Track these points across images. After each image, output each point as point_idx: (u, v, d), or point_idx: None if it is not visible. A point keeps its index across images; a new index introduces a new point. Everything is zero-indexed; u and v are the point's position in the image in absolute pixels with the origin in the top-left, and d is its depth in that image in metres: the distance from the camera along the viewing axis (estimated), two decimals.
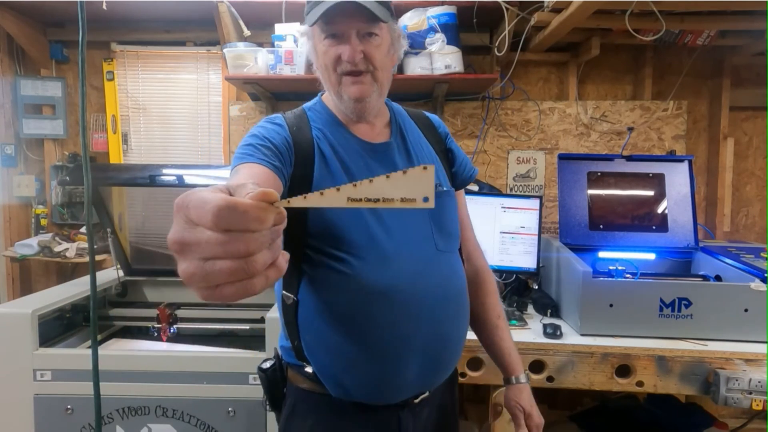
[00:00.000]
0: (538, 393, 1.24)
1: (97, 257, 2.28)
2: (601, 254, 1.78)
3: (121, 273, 2.05)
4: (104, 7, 2.06)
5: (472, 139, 2.39)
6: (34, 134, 2.51)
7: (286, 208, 0.39)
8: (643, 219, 1.85)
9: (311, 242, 0.89)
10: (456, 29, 2.04)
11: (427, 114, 1.12)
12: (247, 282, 0.37)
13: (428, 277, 0.91)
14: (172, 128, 2.54)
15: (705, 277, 1.66)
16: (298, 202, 0.39)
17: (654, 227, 1.83)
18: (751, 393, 1.31)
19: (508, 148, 2.40)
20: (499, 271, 1.84)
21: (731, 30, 2.10)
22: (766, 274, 1.46)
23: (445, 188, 1.00)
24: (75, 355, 1.58)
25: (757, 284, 1.42)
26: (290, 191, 0.86)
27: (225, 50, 2.10)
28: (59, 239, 2.36)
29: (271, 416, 1.50)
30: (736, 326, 1.43)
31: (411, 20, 2.03)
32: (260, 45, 2.19)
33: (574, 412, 2.14)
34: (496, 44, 2.11)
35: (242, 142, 0.87)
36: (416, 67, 2.02)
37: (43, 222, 2.52)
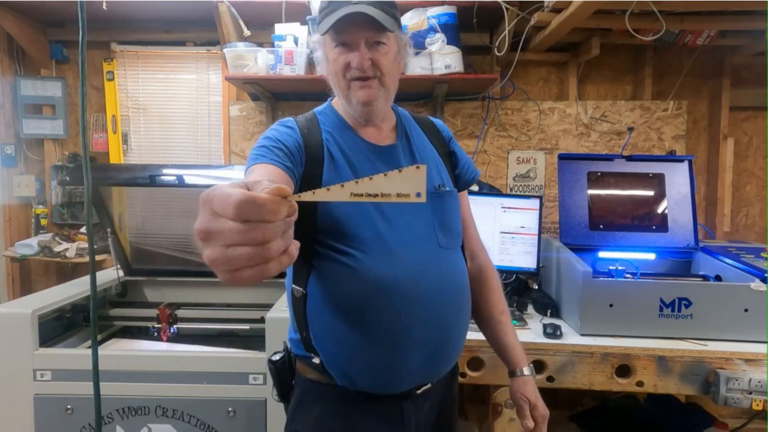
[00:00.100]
0: (538, 393, 1.25)
1: (97, 257, 2.28)
2: (601, 254, 1.78)
3: (121, 273, 2.05)
4: (104, 7, 2.06)
5: (472, 139, 2.39)
6: (34, 134, 2.51)
7: (297, 203, 0.45)
8: (643, 219, 1.85)
9: (320, 238, 0.93)
10: (456, 29, 2.04)
11: (432, 119, 1.17)
12: (263, 266, 0.43)
13: (430, 272, 0.95)
14: (172, 128, 2.54)
15: (705, 277, 1.66)
16: (307, 196, 0.45)
17: (654, 227, 1.83)
18: (751, 393, 1.31)
19: (508, 148, 2.40)
20: (499, 271, 1.80)
21: (731, 30, 2.10)
22: (766, 274, 1.46)
23: (447, 188, 1.04)
24: (75, 355, 1.58)
25: (757, 284, 1.42)
26: (301, 190, 0.91)
27: (225, 50, 2.10)
28: (59, 239, 2.36)
29: (271, 416, 1.51)
30: (736, 326, 1.43)
31: (411, 20, 2.03)
32: (260, 45, 2.19)
33: (574, 412, 2.14)
34: (496, 44, 2.11)
35: (256, 144, 0.93)
36: (416, 67, 2.02)
37: (43, 222, 2.52)
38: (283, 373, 1.06)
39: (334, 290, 0.94)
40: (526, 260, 1.85)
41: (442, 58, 2.00)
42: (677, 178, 1.86)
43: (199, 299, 2.06)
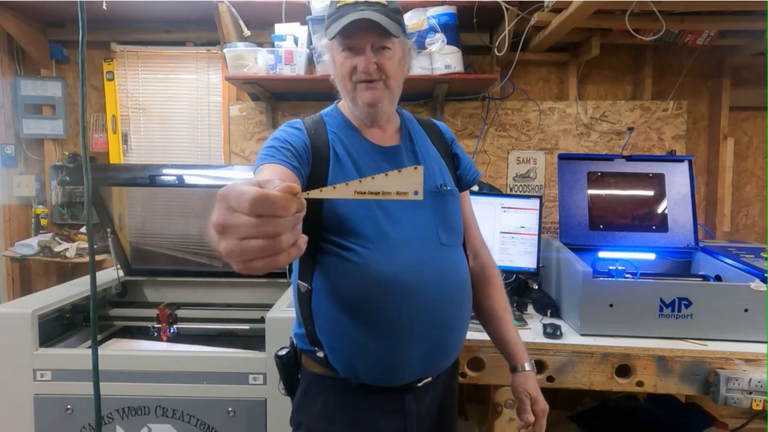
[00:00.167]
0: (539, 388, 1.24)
1: (97, 257, 2.28)
2: (601, 254, 1.78)
3: (121, 273, 2.06)
4: (104, 7, 2.06)
5: (472, 139, 2.39)
6: (34, 134, 2.51)
7: (305, 200, 0.49)
8: (643, 219, 1.85)
9: (324, 235, 0.97)
10: (456, 29, 2.04)
11: (435, 121, 1.21)
12: (274, 257, 0.47)
13: (431, 267, 0.98)
14: (172, 128, 2.54)
15: (705, 277, 1.66)
16: (315, 194, 0.49)
17: (654, 227, 1.83)
18: (751, 393, 1.31)
19: (508, 148, 2.40)
20: (500, 271, 1.84)
21: (731, 30, 2.10)
22: (766, 274, 1.46)
23: (449, 187, 1.08)
24: (75, 355, 1.58)
25: (757, 284, 1.42)
26: (307, 188, 0.92)
27: (225, 50, 2.10)
28: (59, 239, 2.36)
29: (271, 416, 1.51)
30: (736, 326, 1.43)
31: (411, 20, 2.03)
32: (260, 45, 2.19)
33: (574, 412, 2.14)
34: (496, 44, 2.11)
35: (265, 144, 0.98)
36: (416, 67, 2.02)
37: (43, 222, 2.52)
38: (289, 367, 1.09)
39: (337, 285, 0.97)
40: (526, 260, 1.85)
41: (442, 58, 2.00)
42: (677, 178, 1.85)
43: (199, 299, 2.06)
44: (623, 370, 1.41)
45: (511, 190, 2.40)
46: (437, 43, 1.99)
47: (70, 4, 2.14)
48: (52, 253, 2.31)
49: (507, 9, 1.97)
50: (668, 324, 1.45)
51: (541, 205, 1.88)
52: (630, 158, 1.90)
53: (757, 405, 1.31)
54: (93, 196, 1.83)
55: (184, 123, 2.53)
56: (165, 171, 1.72)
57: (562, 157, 1.91)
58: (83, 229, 2.47)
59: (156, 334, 1.89)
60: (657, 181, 1.86)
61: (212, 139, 2.52)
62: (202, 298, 2.07)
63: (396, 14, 0.99)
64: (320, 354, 1.01)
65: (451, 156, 1.16)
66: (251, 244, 0.46)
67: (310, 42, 2.09)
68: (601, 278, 1.51)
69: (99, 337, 1.76)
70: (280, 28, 2.12)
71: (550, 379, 1.42)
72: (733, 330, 1.44)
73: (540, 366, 1.42)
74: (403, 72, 1.06)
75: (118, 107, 2.50)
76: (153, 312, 1.88)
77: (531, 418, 1.07)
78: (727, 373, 1.32)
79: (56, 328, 1.77)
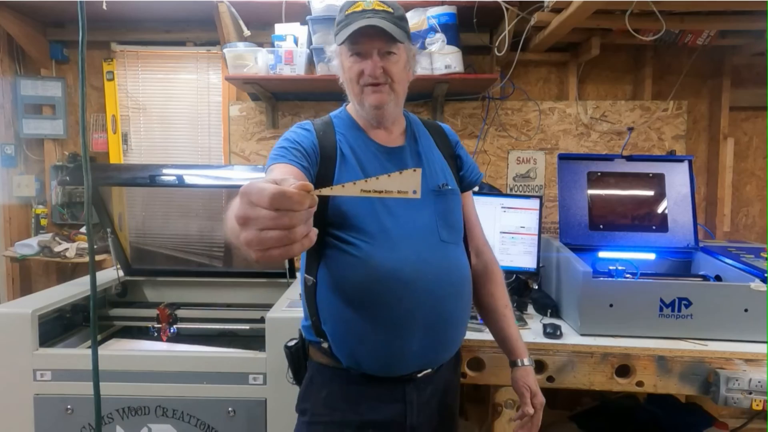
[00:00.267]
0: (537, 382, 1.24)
1: (97, 257, 2.28)
2: (601, 254, 1.77)
3: (121, 273, 2.06)
4: (104, 7, 2.06)
5: (472, 139, 2.39)
6: (34, 134, 2.51)
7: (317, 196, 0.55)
8: (643, 219, 1.85)
9: (329, 230, 1.02)
10: (456, 29, 2.04)
11: (441, 124, 1.26)
12: (289, 247, 0.52)
13: (431, 262, 1.03)
14: (172, 128, 2.54)
15: (705, 277, 1.66)
16: (326, 191, 0.55)
17: (654, 227, 1.83)
18: (751, 393, 1.31)
19: (508, 148, 2.40)
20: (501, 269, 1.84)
21: (731, 30, 2.10)
22: (766, 274, 1.46)
23: (450, 187, 1.12)
24: (75, 355, 1.58)
25: (757, 284, 1.42)
26: (316, 186, 0.98)
27: (225, 50, 2.10)
28: (59, 239, 2.36)
29: (271, 416, 1.51)
30: (736, 326, 1.43)
31: (411, 20, 2.02)
32: (260, 45, 2.19)
33: (574, 412, 2.14)
34: (496, 44, 2.11)
35: (277, 145, 1.04)
36: (416, 67, 2.01)
37: (43, 222, 2.52)
38: (297, 357, 1.14)
39: (340, 278, 1.02)
40: (526, 260, 1.85)
41: (442, 58, 2.00)
42: (677, 178, 1.85)
43: (199, 299, 2.06)
44: (623, 370, 1.41)
45: (511, 190, 2.40)
46: (437, 43, 1.99)
47: (70, 4, 2.14)
48: (52, 253, 2.30)
49: (507, 9, 1.97)
50: (668, 324, 1.45)
51: (541, 205, 1.89)
52: (630, 158, 1.90)
53: (757, 405, 1.31)
54: (93, 196, 1.83)
55: (184, 123, 2.53)
56: (165, 171, 1.72)
57: (562, 157, 1.91)
58: (83, 229, 2.46)
59: (156, 334, 1.89)
60: (657, 181, 1.86)
61: (212, 139, 2.52)
62: (202, 298, 2.07)
63: (401, 21, 1.05)
64: (325, 345, 1.06)
65: (454, 157, 1.21)
66: (269, 235, 0.51)
67: (310, 42, 2.09)
68: (601, 278, 1.51)
69: (99, 337, 1.76)
70: (280, 28, 2.12)
71: (550, 379, 1.42)
72: (733, 330, 1.44)
73: (540, 366, 1.42)
74: (407, 76, 1.11)
75: (118, 107, 2.50)
76: (153, 312, 1.88)
77: (531, 410, 1.11)
78: (727, 373, 1.32)
79: (56, 328, 1.77)
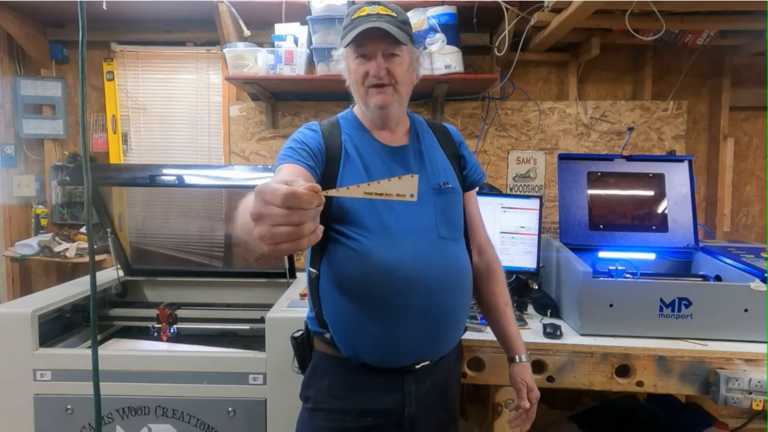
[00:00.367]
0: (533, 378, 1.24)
1: (97, 257, 2.28)
2: (601, 254, 1.77)
3: (121, 273, 2.05)
4: (104, 7, 2.06)
5: (472, 139, 2.39)
6: (34, 134, 2.51)
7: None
8: (643, 219, 1.85)
9: (332, 225, 1.07)
10: (456, 29, 2.04)
11: (446, 125, 1.29)
12: (298, 241, 0.58)
13: (428, 258, 1.06)
14: (172, 128, 2.54)
15: (705, 277, 1.66)
16: (333, 192, 0.61)
17: (654, 227, 1.83)
18: (751, 393, 1.31)
19: (508, 148, 2.40)
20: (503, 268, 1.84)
21: (731, 30, 2.10)
22: (766, 274, 1.46)
23: (450, 185, 1.15)
24: (75, 355, 1.58)
25: (757, 284, 1.42)
26: (321, 184, 1.08)
27: (225, 50, 2.10)
28: (59, 239, 2.36)
29: (271, 416, 1.51)
30: (736, 326, 1.43)
31: (411, 20, 2.01)
32: (260, 45, 2.19)
33: (574, 412, 2.14)
34: (496, 44, 2.11)
35: (285, 145, 1.10)
36: (420, 70, 2.02)
37: (43, 222, 2.52)
38: (302, 347, 1.19)
39: (341, 271, 1.06)
40: (526, 260, 1.85)
41: (442, 58, 2.00)
42: (677, 178, 1.85)
43: (199, 299, 2.06)
44: (623, 370, 1.41)
45: (511, 190, 2.40)
46: (437, 43, 1.99)
47: (70, 4, 2.14)
48: (52, 253, 2.30)
49: (507, 9, 1.97)
50: (668, 324, 1.45)
51: (541, 205, 1.89)
52: (630, 158, 1.90)
53: (757, 405, 1.31)
54: (93, 196, 1.83)
55: (184, 123, 2.53)
56: (165, 171, 1.72)
57: (562, 157, 1.91)
58: (83, 229, 2.47)
59: (156, 334, 1.89)
60: (657, 181, 1.86)
61: (212, 139, 2.52)
62: (202, 298, 2.07)
63: (405, 25, 1.10)
64: (327, 335, 1.10)
65: (457, 157, 1.24)
66: (281, 230, 0.57)
67: (310, 42, 2.09)
68: (601, 278, 1.51)
69: (99, 337, 1.76)
70: (280, 28, 2.12)
71: (550, 379, 1.42)
72: (733, 330, 1.44)
73: (540, 366, 1.42)
74: (411, 78, 1.15)
75: (118, 107, 2.50)
76: (153, 312, 1.88)
77: (527, 404, 1.17)
78: (727, 373, 1.32)
79: (56, 328, 1.77)
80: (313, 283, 1.12)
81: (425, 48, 2.00)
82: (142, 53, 2.48)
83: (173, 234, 2.06)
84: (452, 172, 1.18)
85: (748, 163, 2.43)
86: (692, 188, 1.84)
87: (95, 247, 2.27)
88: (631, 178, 1.88)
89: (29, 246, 2.32)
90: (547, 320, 1.59)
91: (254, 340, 1.75)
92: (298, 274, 2.02)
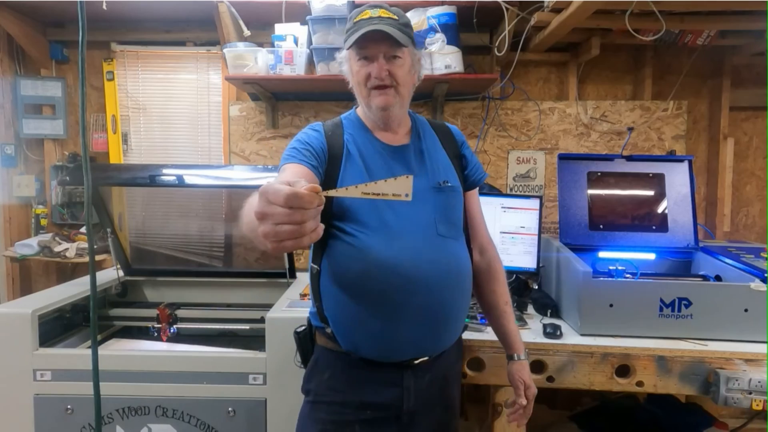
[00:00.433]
0: (538, 393, 1.25)
1: (97, 257, 2.28)
2: (601, 254, 1.77)
3: (121, 273, 2.05)
4: (104, 7, 2.06)
5: (472, 139, 2.39)
6: (34, 134, 2.51)
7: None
8: (643, 219, 1.85)
9: (333, 222, 1.09)
10: (456, 29, 2.04)
11: (448, 125, 1.33)
12: (300, 239, 0.61)
13: (426, 254, 1.07)
14: (172, 128, 2.54)
15: (705, 277, 1.66)
16: (332, 193, 0.64)
17: (654, 227, 1.83)
18: (751, 393, 1.31)
19: (508, 148, 2.40)
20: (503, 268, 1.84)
21: (731, 30, 2.10)
22: (766, 274, 1.46)
23: (450, 184, 1.17)
24: (75, 355, 1.58)
25: (757, 284, 1.42)
26: (324, 183, 1.10)
27: (225, 50, 2.10)
28: (59, 239, 2.36)
29: (271, 416, 1.51)
30: (736, 326, 1.43)
31: (411, 20, 2.02)
32: (260, 45, 2.19)
33: (574, 412, 2.14)
34: (496, 44, 2.11)
35: (289, 145, 1.13)
36: (422, 72, 2.02)
37: (43, 222, 2.52)
38: (304, 342, 1.22)
39: (340, 266, 1.08)
40: (526, 260, 1.85)
41: (442, 58, 2.00)
42: (677, 178, 1.85)
43: (199, 299, 2.06)
44: (623, 370, 1.41)
45: (511, 190, 2.40)
46: (437, 43, 1.99)
47: (70, 4, 2.14)
48: (52, 253, 2.31)
49: (507, 9, 1.97)
50: (668, 324, 1.45)
51: (541, 205, 1.89)
52: (630, 158, 1.90)
53: (757, 405, 1.31)
54: (93, 196, 1.83)
55: (184, 123, 2.53)
56: (165, 171, 1.72)
57: (562, 157, 1.91)
58: (83, 229, 2.47)
59: (156, 334, 1.89)
60: (657, 181, 1.86)
61: (212, 139, 2.52)
62: (202, 298, 2.07)
63: (406, 28, 1.12)
64: (328, 330, 1.12)
65: (459, 157, 1.26)
66: (283, 228, 0.61)
67: (310, 42, 2.09)
68: (601, 278, 1.51)
69: (99, 337, 1.76)
70: (280, 28, 2.12)
71: (550, 379, 1.42)
72: (733, 330, 1.44)
73: (540, 366, 1.42)
74: (412, 80, 1.18)
75: (118, 107, 2.50)
76: (153, 312, 1.88)
77: (523, 401, 1.20)
78: (727, 373, 1.32)
79: (56, 328, 1.77)
80: (315, 279, 1.14)
81: (425, 48, 2.00)
82: (142, 53, 2.48)
83: (173, 234, 2.06)
84: (453, 171, 1.20)
85: (748, 163, 2.43)
86: (692, 188, 1.84)
87: (95, 247, 2.27)
88: (631, 178, 1.88)
89: (29, 246, 2.32)
90: (547, 320, 1.59)
91: (254, 340, 1.75)
92: (298, 274, 2.02)
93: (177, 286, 2.10)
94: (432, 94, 2.27)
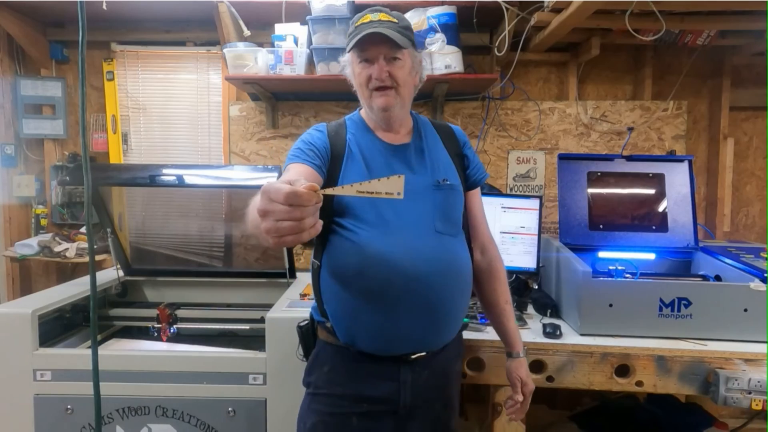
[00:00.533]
0: (538, 393, 1.26)
1: (97, 257, 2.28)
2: (601, 254, 1.77)
3: (121, 273, 2.05)
4: (104, 7, 2.06)
5: (473, 139, 2.39)
6: (34, 134, 2.51)
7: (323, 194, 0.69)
8: (643, 219, 1.85)
9: (334, 218, 1.12)
10: (456, 29, 2.04)
11: (451, 125, 1.34)
12: (299, 235, 0.67)
13: (423, 251, 1.09)
14: (172, 128, 2.54)
15: (705, 277, 1.66)
16: (329, 191, 0.69)
17: (654, 227, 1.83)
18: (750, 393, 1.31)
19: (508, 148, 2.40)
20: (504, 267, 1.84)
21: (731, 30, 2.10)
22: (766, 274, 1.46)
23: (450, 182, 1.18)
24: (75, 355, 1.58)
25: (757, 284, 1.42)
26: (327, 181, 1.14)
27: (225, 50, 2.10)
28: (59, 239, 2.36)
29: (271, 416, 1.51)
30: (736, 326, 1.43)
31: (411, 20, 2.01)
32: (260, 45, 2.19)
33: (574, 412, 2.14)
34: (496, 44, 2.11)
35: (294, 146, 1.17)
36: (423, 73, 2.02)
37: (43, 222, 2.52)
38: (306, 336, 1.25)
39: (339, 261, 1.11)
40: (526, 260, 1.85)
41: (442, 58, 2.00)
42: (677, 178, 1.85)
43: (199, 299, 2.06)
44: (623, 370, 1.41)
45: (511, 190, 2.40)
46: (437, 43, 1.99)
47: (70, 4, 2.14)
48: (52, 253, 2.31)
49: (507, 9, 1.97)
50: (668, 324, 1.45)
51: (541, 205, 1.89)
52: (630, 158, 1.90)
53: (757, 405, 1.31)
54: (93, 196, 1.83)
55: (184, 123, 2.53)
56: (165, 171, 1.72)
57: (562, 157, 1.91)
58: (83, 229, 2.47)
59: (156, 334, 1.89)
60: (657, 181, 1.86)
61: (212, 139, 2.52)
62: (202, 298, 2.07)
63: (406, 30, 1.15)
64: (328, 324, 1.15)
65: (460, 156, 1.27)
66: (284, 225, 0.66)
67: (310, 42, 2.09)
68: (601, 278, 1.51)
69: (99, 337, 1.76)
70: (280, 28, 2.12)
71: (549, 379, 1.42)
72: (733, 330, 1.44)
73: (540, 366, 1.42)
74: (413, 81, 1.21)
75: (118, 107, 2.50)
76: (153, 312, 1.88)
77: (520, 398, 1.24)
78: (727, 373, 1.32)
79: (56, 328, 1.77)
80: (315, 274, 1.18)
81: (425, 48, 2.00)
82: (142, 53, 2.48)
83: (173, 234, 2.06)
84: (453, 169, 1.22)
85: (748, 163, 2.43)
86: (692, 188, 1.84)
87: (95, 247, 2.27)
88: (631, 178, 1.88)
89: (29, 246, 2.32)
90: (547, 320, 1.59)
91: (254, 340, 1.75)
92: (298, 274, 2.02)
93: (177, 286, 2.10)
94: (432, 94, 2.27)
